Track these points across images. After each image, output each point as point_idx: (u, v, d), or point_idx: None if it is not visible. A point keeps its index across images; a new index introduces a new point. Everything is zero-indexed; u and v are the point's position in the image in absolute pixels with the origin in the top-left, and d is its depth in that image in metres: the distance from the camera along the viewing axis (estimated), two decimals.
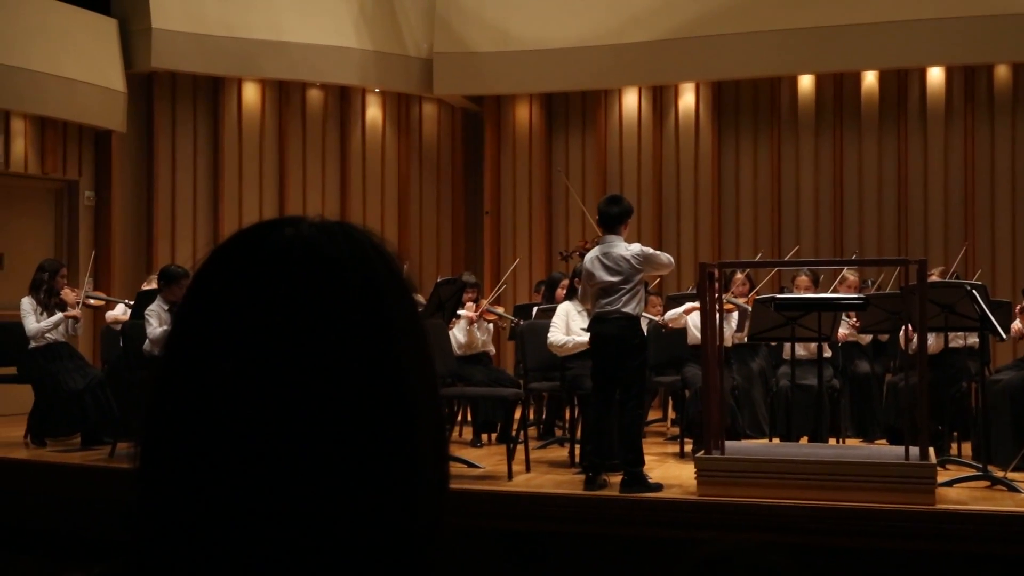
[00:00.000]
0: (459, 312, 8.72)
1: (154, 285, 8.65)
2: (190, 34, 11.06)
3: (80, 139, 11.15)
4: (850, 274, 8.71)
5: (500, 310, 9.69)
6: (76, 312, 8.29)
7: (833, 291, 8.49)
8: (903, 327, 7.64)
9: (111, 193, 11.21)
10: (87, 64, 10.69)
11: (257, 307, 0.78)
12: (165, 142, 11.59)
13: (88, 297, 8.89)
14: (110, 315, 9.24)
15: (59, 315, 8.18)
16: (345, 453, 0.77)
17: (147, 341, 7.53)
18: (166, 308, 7.67)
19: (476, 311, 8.94)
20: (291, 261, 0.80)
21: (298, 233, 0.81)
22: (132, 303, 8.80)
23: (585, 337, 6.98)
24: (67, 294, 8.35)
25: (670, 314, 8.18)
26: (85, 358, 8.80)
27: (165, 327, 7.49)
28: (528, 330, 7.83)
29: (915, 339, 6.01)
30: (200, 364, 0.78)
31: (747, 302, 8.18)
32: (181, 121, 11.67)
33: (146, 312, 7.67)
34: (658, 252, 6.57)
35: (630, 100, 11.96)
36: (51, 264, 8.49)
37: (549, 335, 7.30)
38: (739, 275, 8.60)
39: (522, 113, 12.30)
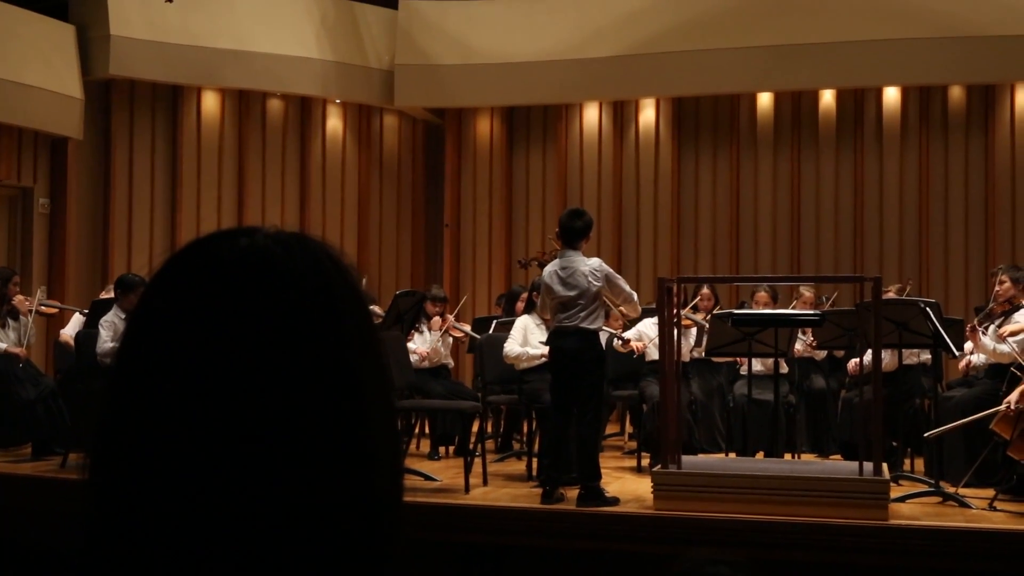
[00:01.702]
0: (424, 327, 8.75)
1: (112, 295, 8.56)
2: (149, 41, 10.97)
3: (35, 146, 11.01)
4: (806, 290, 8.80)
5: (467, 327, 9.69)
6: (20, 351, 8.13)
7: (791, 308, 8.57)
8: (853, 358, 7.73)
9: (66, 201, 11.07)
10: (44, 70, 10.57)
11: (210, 317, 0.78)
12: (122, 150, 11.47)
13: (41, 305, 8.78)
14: (63, 334, 9.08)
15: (2, 346, 8.04)
16: (299, 464, 0.76)
17: (97, 353, 7.46)
18: (122, 317, 7.60)
19: (442, 326, 8.95)
20: (246, 271, 0.79)
21: (253, 243, 0.81)
22: (87, 311, 8.70)
23: (540, 350, 7.02)
24: (20, 301, 8.24)
25: (631, 336, 8.16)
26: (37, 367, 8.68)
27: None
28: (487, 343, 7.82)
29: (868, 359, 6.07)
30: (152, 373, 0.78)
31: (706, 318, 8.22)
32: (139, 129, 11.56)
33: (101, 321, 7.59)
34: (622, 280, 6.54)
35: (591, 115, 12.02)
36: (3, 272, 8.38)
37: (505, 345, 7.31)
38: (705, 290, 8.64)
39: (483, 126, 12.31)
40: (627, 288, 6.50)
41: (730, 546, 5.49)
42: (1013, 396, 6.26)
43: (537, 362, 7.18)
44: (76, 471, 7.02)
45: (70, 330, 8.91)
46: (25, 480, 7.27)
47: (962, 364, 7.35)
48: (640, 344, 7.89)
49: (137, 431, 0.77)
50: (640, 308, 6.85)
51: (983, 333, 7.15)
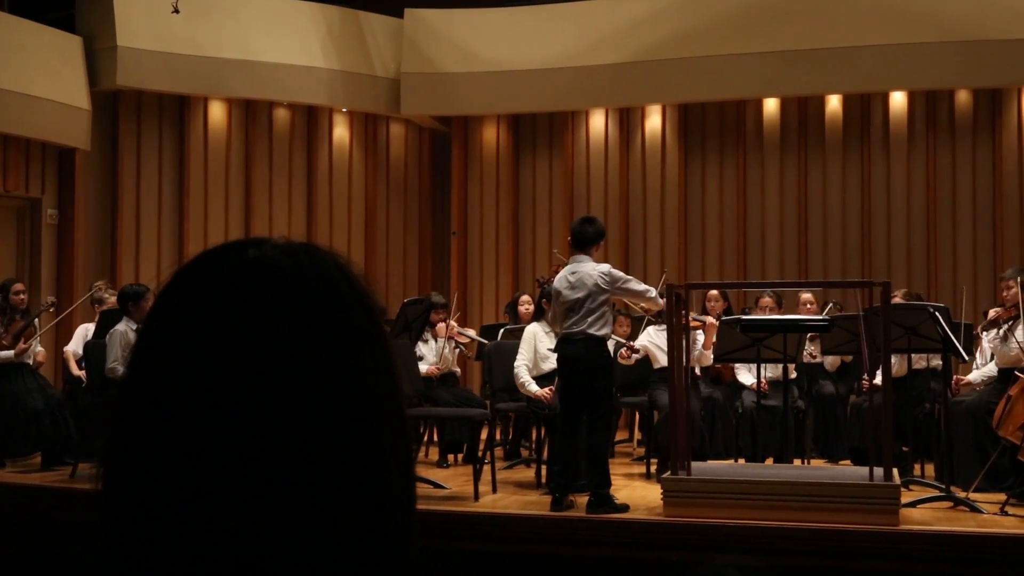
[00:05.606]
0: (429, 335, 8.75)
1: (109, 303, 8.59)
2: (156, 52, 11.00)
3: (43, 157, 11.05)
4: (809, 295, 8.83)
5: (471, 332, 9.68)
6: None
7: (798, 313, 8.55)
8: (862, 366, 7.72)
9: (74, 211, 11.10)
10: (51, 82, 10.60)
11: (220, 329, 0.78)
12: (130, 160, 11.50)
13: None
14: (66, 351, 9.05)
15: (10, 352, 8.07)
16: (310, 473, 0.76)
17: (107, 368, 7.48)
18: (134, 329, 7.60)
19: (446, 333, 8.94)
20: (255, 283, 0.79)
21: (262, 255, 0.81)
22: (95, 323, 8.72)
23: (537, 389, 7.02)
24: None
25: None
26: (46, 378, 8.70)
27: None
28: (495, 351, 7.82)
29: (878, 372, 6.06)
30: (163, 385, 0.78)
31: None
32: (146, 139, 11.59)
33: (109, 336, 7.58)
34: (633, 281, 6.52)
35: (597, 122, 12.02)
36: (6, 282, 8.47)
37: (516, 365, 7.25)
38: (714, 292, 8.64)
39: (489, 134, 12.32)
40: (640, 286, 6.48)
41: (740, 552, 5.48)
42: (1015, 388, 6.31)
43: (530, 396, 7.18)
44: (86, 481, 7.03)
45: (73, 346, 8.86)
46: (34, 490, 7.28)
47: (954, 381, 7.36)
48: (631, 351, 7.81)
49: (149, 442, 0.77)
50: (661, 300, 6.69)
51: (986, 338, 7.14)
